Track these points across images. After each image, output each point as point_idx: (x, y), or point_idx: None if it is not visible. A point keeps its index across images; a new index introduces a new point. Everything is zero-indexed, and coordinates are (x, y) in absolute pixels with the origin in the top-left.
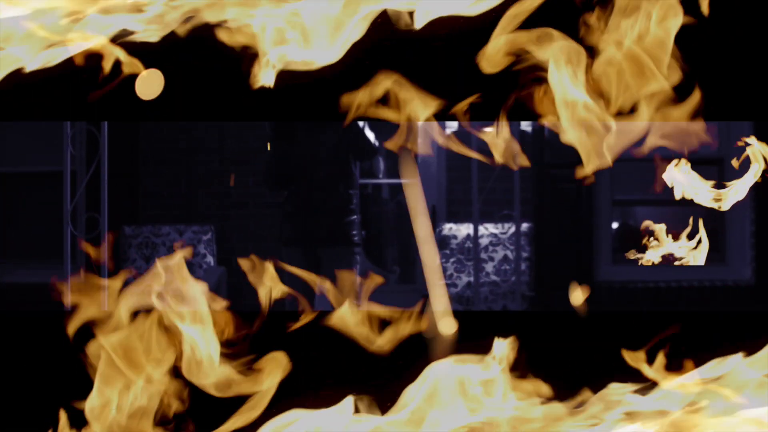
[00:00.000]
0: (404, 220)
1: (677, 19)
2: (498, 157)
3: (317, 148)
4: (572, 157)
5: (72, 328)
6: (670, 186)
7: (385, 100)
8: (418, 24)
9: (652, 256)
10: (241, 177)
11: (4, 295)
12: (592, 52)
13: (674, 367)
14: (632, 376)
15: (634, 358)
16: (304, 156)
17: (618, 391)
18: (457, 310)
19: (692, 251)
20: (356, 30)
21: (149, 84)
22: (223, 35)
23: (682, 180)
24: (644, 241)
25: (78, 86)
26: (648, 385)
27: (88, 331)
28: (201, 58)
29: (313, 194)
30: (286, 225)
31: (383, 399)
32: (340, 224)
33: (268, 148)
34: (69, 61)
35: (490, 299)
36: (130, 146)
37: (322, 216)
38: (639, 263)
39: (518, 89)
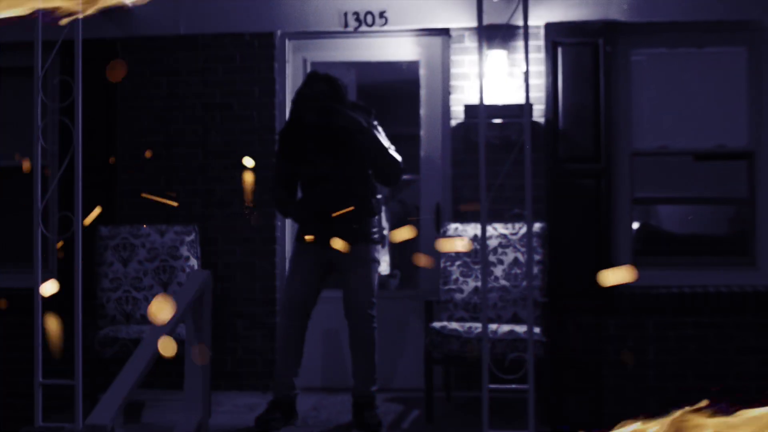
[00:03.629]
0: (406, 219)
1: None
2: None
3: (325, 169)
4: (589, 150)
5: None
6: None
7: None
8: None
9: None
10: (227, 172)
11: None
12: None
13: None
14: None
15: None
16: (312, 176)
17: None
18: (463, 316)
19: None
20: None
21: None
22: None
23: None
24: None
25: None
26: None
27: None
28: None
29: (329, 200)
30: (300, 222)
31: None
32: (356, 224)
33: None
34: None
35: (500, 306)
36: (106, 139)
37: (338, 220)
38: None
39: None
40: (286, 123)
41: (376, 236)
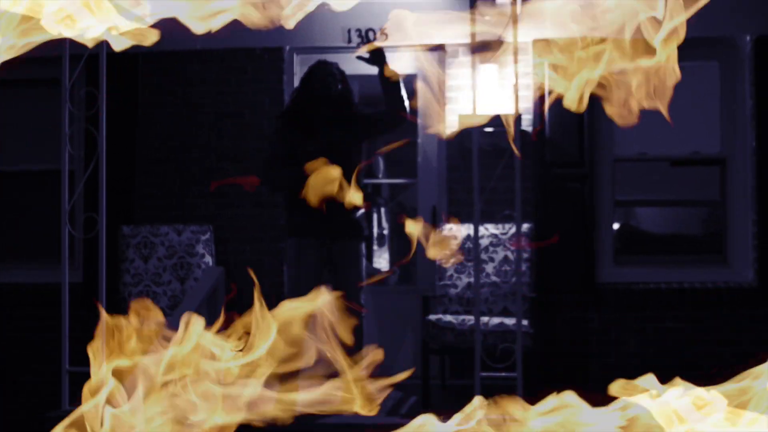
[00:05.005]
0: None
1: None
2: None
3: (332, 141)
4: (574, 156)
5: None
6: None
7: None
8: None
9: None
10: (237, 176)
11: (3, 294)
12: None
13: None
14: None
15: None
16: (318, 150)
17: None
18: (457, 310)
19: None
20: None
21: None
22: None
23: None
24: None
25: None
26: None
27: None
28: None
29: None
30: (295, 216)
31: None
32: (351, 218)
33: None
34: None
35: (491, 301)
36: (127, 145)
37: (333, 211)
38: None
39: None
40: (295, 98)
41: (366, 233)
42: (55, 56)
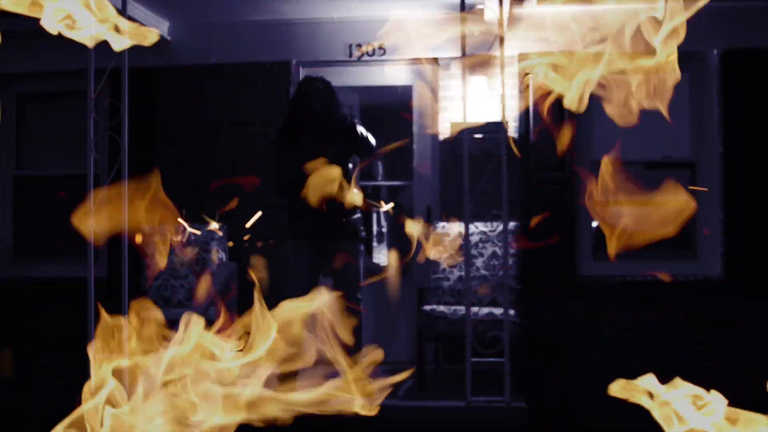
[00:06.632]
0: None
1: None
2: None
3: (324, 153)
4: (556, 161)
5: None
6: None
7: None
8: None
9: None
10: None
11: (32, 288)
12: None
13: None
14: None
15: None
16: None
17: None
18: (449, 301)
19: None
20: None
21: None
22: None
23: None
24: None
25: None
26: None
27: None
28: None
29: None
30: (296, 221)
31: None
32: (347, 221)
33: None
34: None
35: (480, 292)
36: (147, 152)
37: (330, 214)
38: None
39: None
40: (287, 116)
41: (363, 234)
42: (82, 70)
